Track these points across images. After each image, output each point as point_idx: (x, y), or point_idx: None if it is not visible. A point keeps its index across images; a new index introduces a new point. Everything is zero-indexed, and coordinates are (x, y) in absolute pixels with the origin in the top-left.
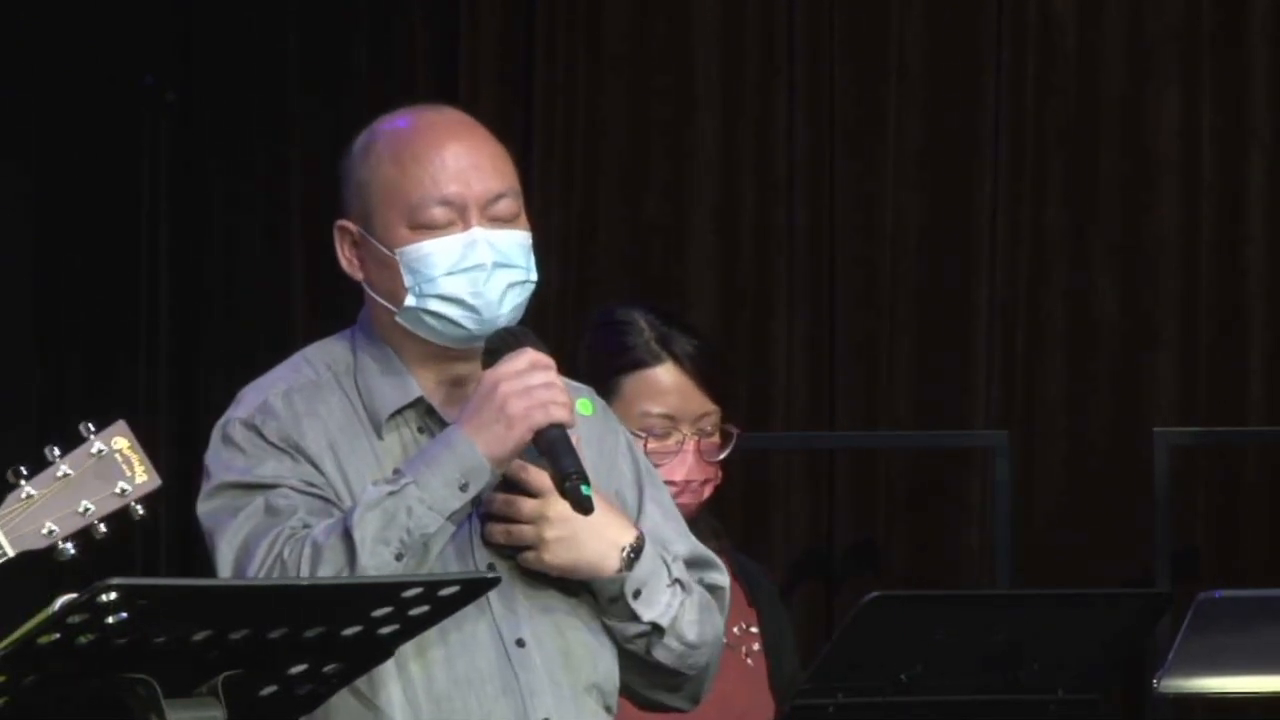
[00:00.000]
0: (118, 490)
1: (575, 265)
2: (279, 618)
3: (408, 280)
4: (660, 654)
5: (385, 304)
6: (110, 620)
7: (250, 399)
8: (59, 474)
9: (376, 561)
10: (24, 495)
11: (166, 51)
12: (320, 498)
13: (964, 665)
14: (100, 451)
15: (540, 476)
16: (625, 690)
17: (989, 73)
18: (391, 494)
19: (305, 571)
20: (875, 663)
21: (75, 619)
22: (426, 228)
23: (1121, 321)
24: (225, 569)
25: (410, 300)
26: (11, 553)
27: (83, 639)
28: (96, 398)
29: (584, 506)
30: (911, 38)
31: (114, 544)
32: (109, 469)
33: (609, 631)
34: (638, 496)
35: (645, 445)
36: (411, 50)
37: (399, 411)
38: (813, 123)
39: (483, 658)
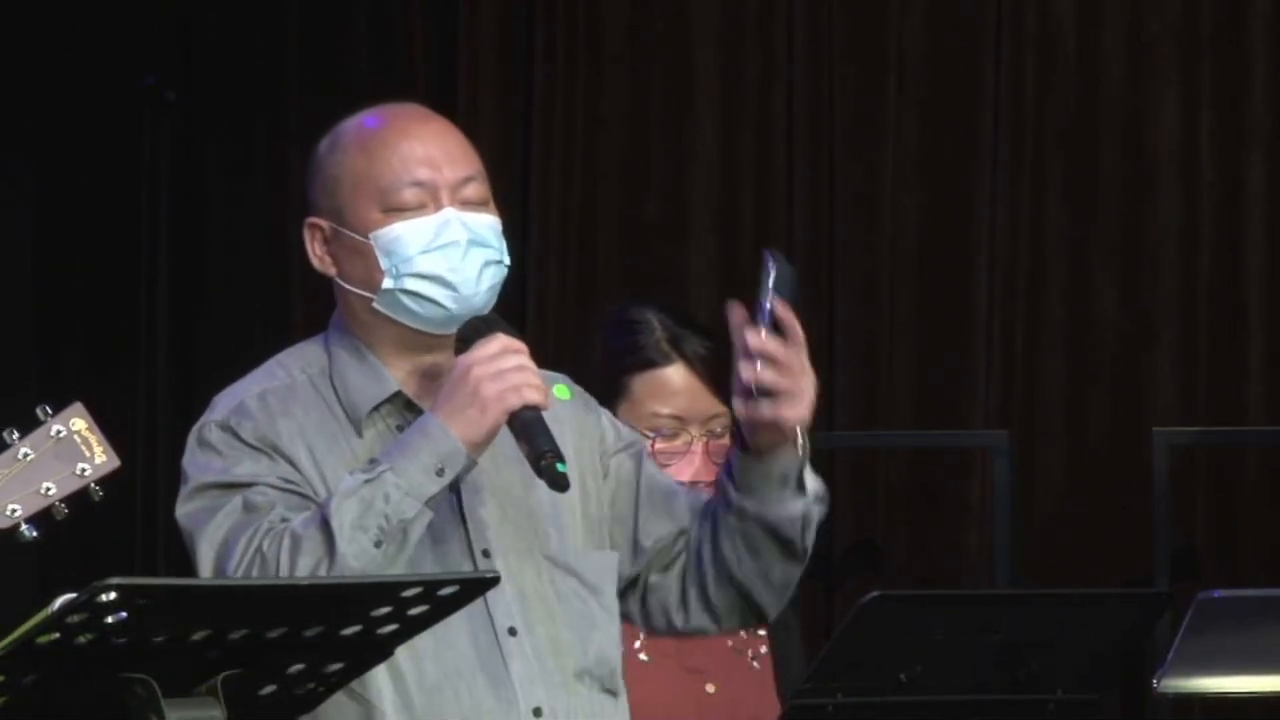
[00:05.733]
0: (78, 471)
1: (575, 265)
2: (278, 617)
3: (384, 263)
4: (809, 538)
5: (362, 292)
6: (109, 620)
7: (225, 402)
8: (19, 455)
9: (355, 549)
10: None
11: (166, 51)
12: (298, 494)
13: (964, 665)
14: (59, 433)
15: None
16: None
17: (989, 73)
18: (368, 482)
19: (285, 563)
20: (875, 663)
21: (74, 618)
22: (399, 210)
23: (1121, 321)
24: (206, 568)
25: (388, 282)
26: None
27: (82, 638)
28: (96, 397)
29: (559, 484)
30: (911, 38)
31: (113, 544)
32: (69, 450)
33: (601, 612)
34: (635, 462)
35: (654, 445)
36: (411, 50)
37: (377, 408)
38: (813, 123)
39: (472, 648)
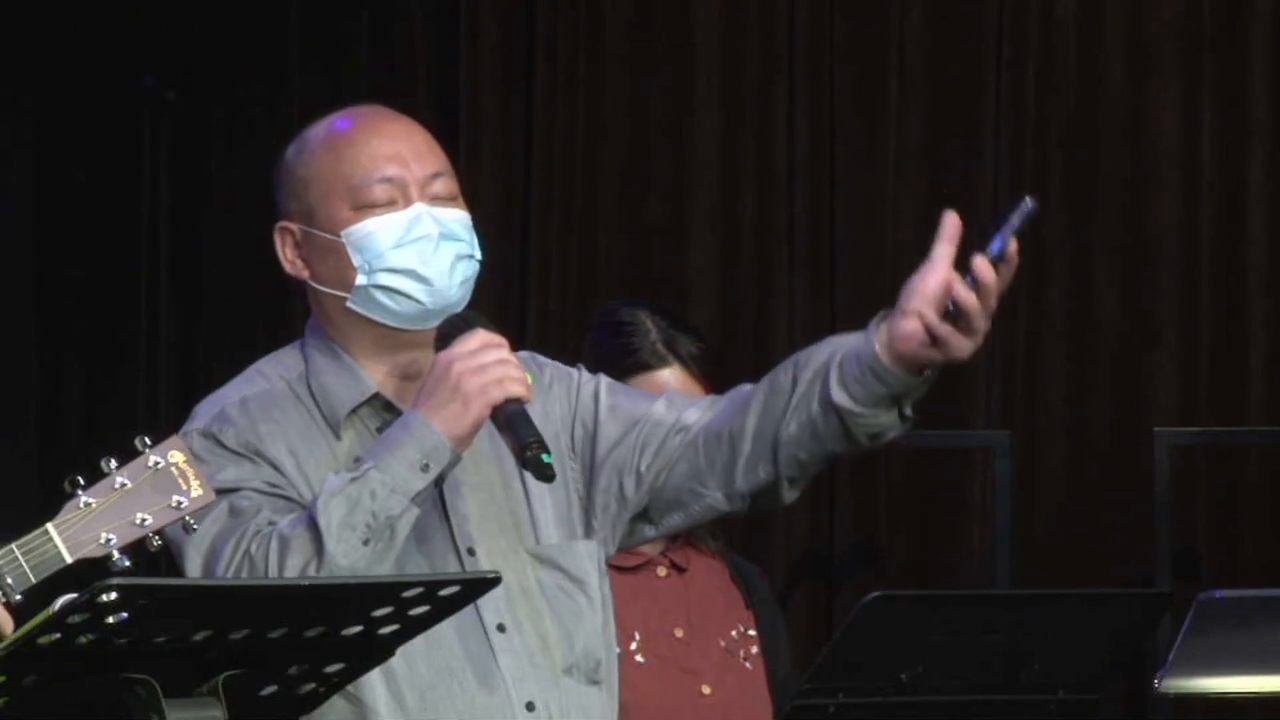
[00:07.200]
0: (173, 503)
1: (575, 265)
2: (279, 618)
3: (356, 260)
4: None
5: (335, 292)
6: (110, 620)
7: (206, 410)
8: (116, 484)
9: (343, 548)
10: (81, 504)
11: (167, 51)
12: (283, 497)
13: (964, 665)
14: (157, 464)
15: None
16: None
17: (990, 72)
18: (354, 480)
19: (274, 564)
20: (875, 663)
21: (75, 619)
22: (369, 206)
23: (1121, 321)
24: (194, 574)
25: (361, 279)
26: (69, 559)
27: (83, 639)
28: (96, 398)
29: (546, 474)
30: (911, 38)
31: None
32: (165, 482)
33: (587, 604)
34: (594, 403)
35: None
36: (411, 50)
37: (355, 410)
38: (813, 123)
39: (463, 645)
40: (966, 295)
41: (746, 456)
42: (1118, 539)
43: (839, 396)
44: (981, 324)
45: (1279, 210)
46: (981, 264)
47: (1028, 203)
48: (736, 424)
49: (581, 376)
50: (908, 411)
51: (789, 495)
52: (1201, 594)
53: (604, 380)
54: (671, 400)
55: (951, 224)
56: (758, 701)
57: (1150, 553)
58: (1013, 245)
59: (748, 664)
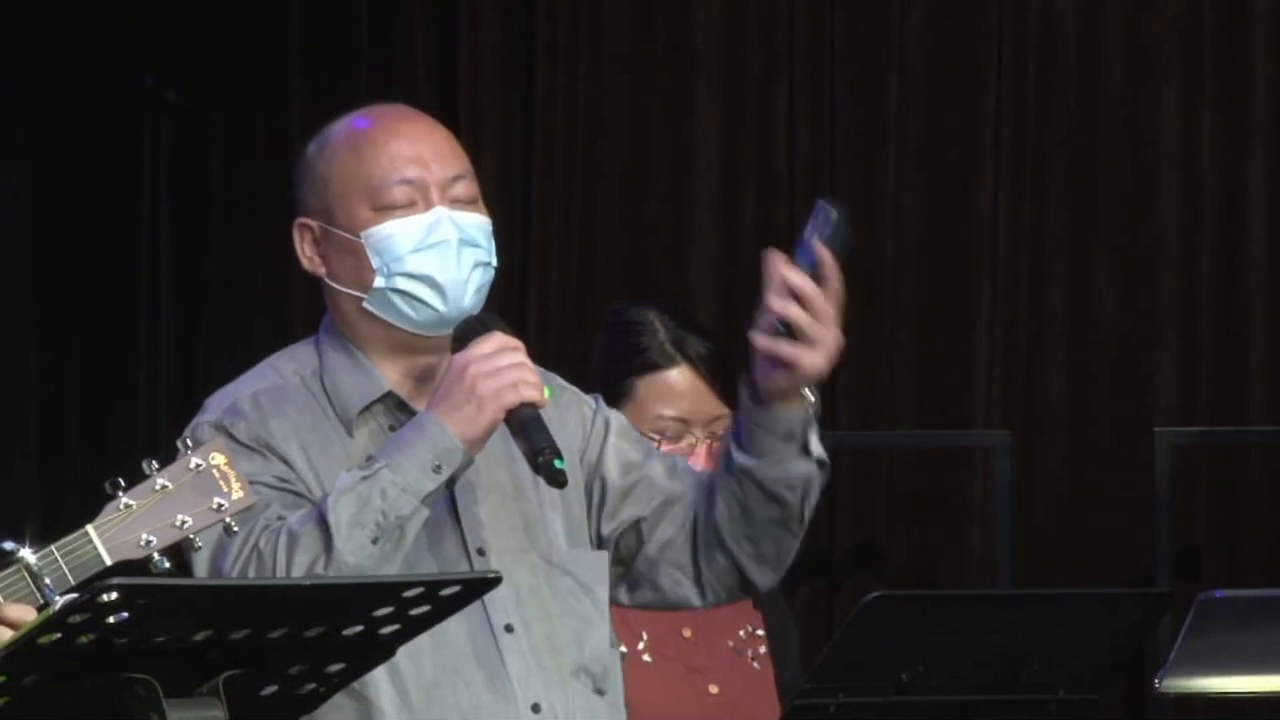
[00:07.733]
0: (214, 506)
1: (575, 265)
2: (279, 618)
3: (375, 262)
4: (808, 506)
5: (352, 292)
6: (111, 620)
7: (217, 403)
8: (157, 486)
9: (352, 545)
10: (122, 505)
11: (167, 51)
12: (293, 492)
13: (964, 665)
14: (199, 466)
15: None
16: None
17: (990, 72)
18: (365, 478)
19: (282, 560)
20: (876, 663)
21: (76, 619)
22: (389, 208)
23: (1121, 321)
24: (201, 568)
25: (379, 281)
26: (109, 561)
27: (83, 639)
28: (96, 397)
29: (558, 480)
30: (911, 37)
31: None
32: (207, 484)
33: (595, 612)
34: (601, 440)
35: (658, 447)
36: (411, 50)
37: (368, 408)
38: (813, 123)
39: (469, 644)
40: (787, 308)
41: (703, 549)
42: (1118, 539)
43: (740, 458)
44: (820, 332)
45: (1279, 210)
46: (795, 276)
47: (828, 210)
48: (699, 517)
49: (599, 407)
50: (812, 449)
51: (759, 577)
52: (1201, 594)
53: (615, 419)
54: (673, 468)
55: (771, 260)
56: (765, 701)
57: (1150, 553)
58: (825, 253)
59: (755, 664)
